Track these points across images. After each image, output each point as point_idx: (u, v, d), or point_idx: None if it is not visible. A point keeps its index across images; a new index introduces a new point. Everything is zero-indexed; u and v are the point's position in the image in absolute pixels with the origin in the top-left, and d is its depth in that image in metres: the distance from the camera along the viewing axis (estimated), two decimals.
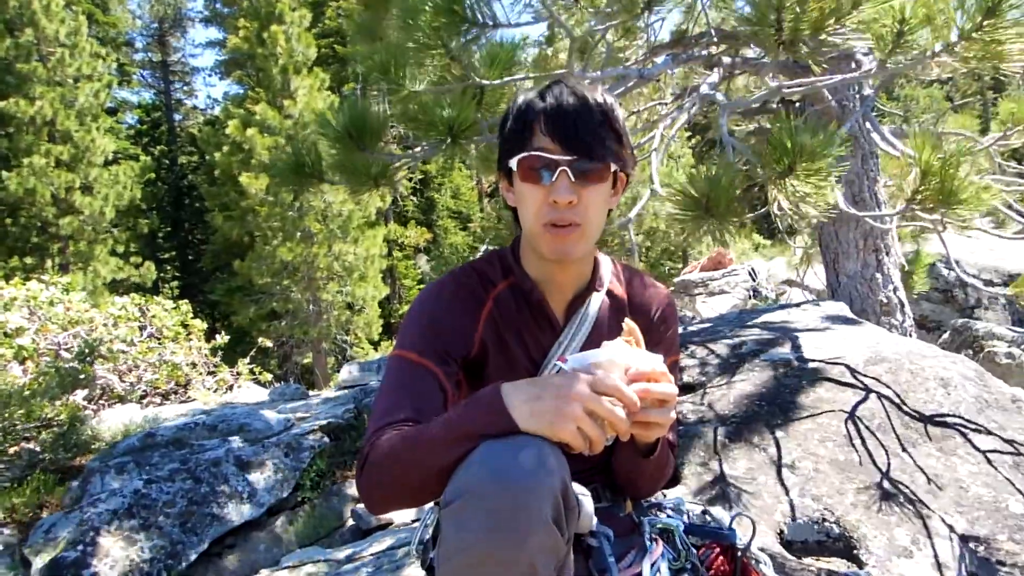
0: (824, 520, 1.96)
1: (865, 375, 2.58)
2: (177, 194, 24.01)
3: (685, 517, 1.20)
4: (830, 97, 3.64)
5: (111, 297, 7.31)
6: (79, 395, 4.79)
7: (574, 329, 1.15)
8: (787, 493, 2.08)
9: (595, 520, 1.02)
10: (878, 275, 3.90)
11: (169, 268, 23.32)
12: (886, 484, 2.05)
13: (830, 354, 2.78)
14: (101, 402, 5.14)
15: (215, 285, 18.75)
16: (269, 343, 8.41)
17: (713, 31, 3.26)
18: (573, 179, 1.00)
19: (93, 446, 3.87)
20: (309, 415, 4.19)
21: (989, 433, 2.24)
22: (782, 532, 1.96)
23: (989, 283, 6.46)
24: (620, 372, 0.88)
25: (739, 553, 1.13)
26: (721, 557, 1.13)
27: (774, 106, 4.23)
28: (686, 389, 2.80)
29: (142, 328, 5.92)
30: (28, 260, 14.22)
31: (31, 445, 3.76)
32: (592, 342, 1.12)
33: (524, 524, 0.76)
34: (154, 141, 25.77)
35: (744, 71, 3.68)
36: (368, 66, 2.72)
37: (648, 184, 2.55)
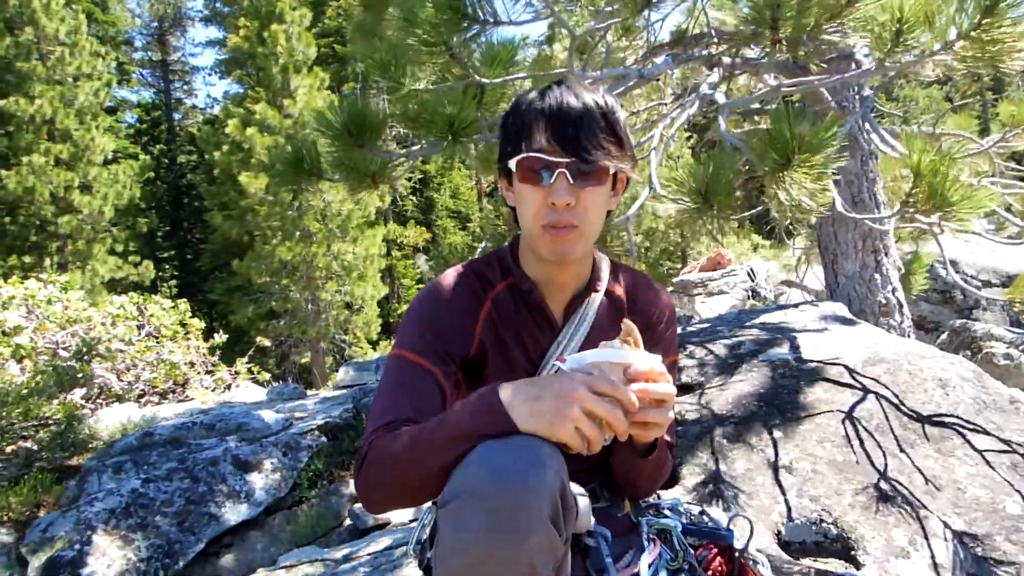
0: (822, 521, 1.96)
1: (863, 376, 2.58)
2: (176, 193, 23.99)
3: (683, 517, 1.20)
4: (830, 98, 3.63)
5: (109, 296, 7.30)
6: (77, 394, 4.79)
7: (573, 329, 1.15)
8: (785, 494, 2.08)
9: (593, 520, 1.02)
10: (877, 276, 3.91)
11: (168, 267, 23.30)
12: (884, 485, 2.05)
13: (828, 355, 2.78)
14: (99, 401, 5.13)
15: (214, 284, 18.74)
16: (267, 342, 8.41)
17: (713, 31, 3.26)
18: (572, 181, 1.00)
19: (90, 445, 3.86)
20: (307, 415, 4.19)
21: (987, 434, 2.24)
22: (780, 533, 1.96)
23: (988, 284, 6.47)
24: (618, 372, 0.88)
25: (736, 554, 1.13)
26: (719, 558, 1.13)
27: (773, 107, 4.23)
28: (684, 389, 2.80)
29: (140, 327, 5.92)
30: (27, 259, 14.22)
31: (28, 444, 3.76)
32: (591, 342, 1.12)
33: (524, 524, 0.76)
34: (153, 140, 25.75)
35: (744, 71, 3.68)
36: (368, 65, 2.72)
37: (647, 184, 2.55)
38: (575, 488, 0.94)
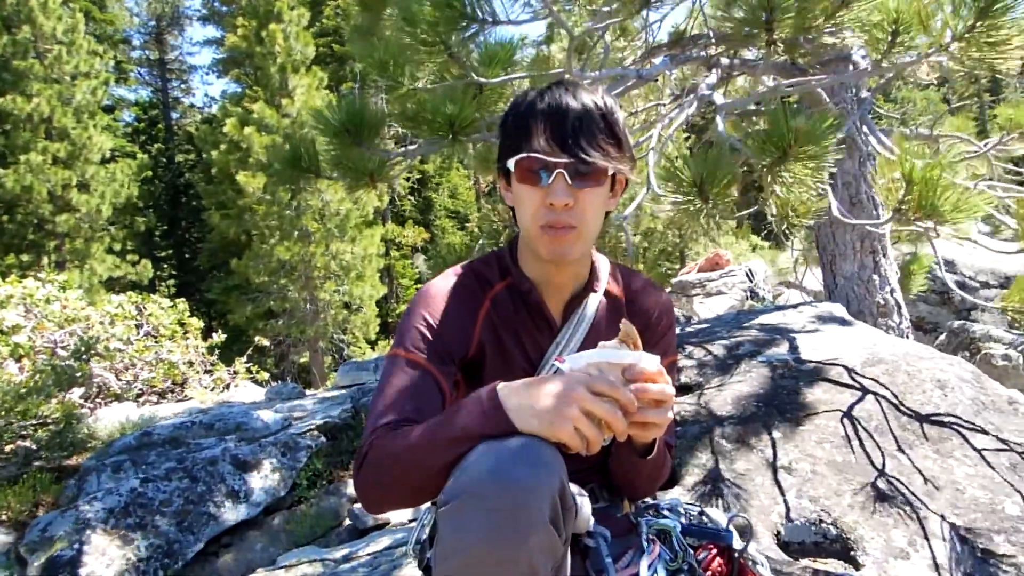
0: (821, 521, 1.96)
1: (862, 376, 2.58)
2: (174, 192, 23.95)
3: (682, 518, 1.20)
4: (827, 99, 3.64)
5: (108, 295, 7.28)
6: (75, 393, 4.78)
7: (571, 330, 1.15)
8: (784, 494, 2.08)
9: (592, 520, 1.02)
10: (875, 277, 3.91)
11: (166, 266, 23.27)
12: (883, 485, 2.05)
13: (827, 355, 2.78)
14: (97, 400, 5.13)
15: (212, 284, 18.71)
16: (266, 342, 8.39)
17: (711, 32, 3.26)
18: (570, 181, 1.00)
19: (89, 445, 3.86)
20: (306, 414, 4.18)
21: (986, 434, 2.25)
22: (779, 533, 1.96)
23: (986, 285, 6.49)
24: (617, 373, 0.88)
25: (736, 554, 1.13)
26: (718, 558, 1.13)
27: (771, 108, 4.23)
28: (683, 390, 2.80)
29: (139, 326, 5.91)
30: (24, 257, 14.21)
31: (27, 443, 3.75)
32: (589, 342, 1.12)
33: (524, 524, 0.76)
34: (151, 139, 25.69)
35: (743, 72, 3.68)
36: (366, 64, 2.72)
37: (645, 183, 2.55)
38: (575, 488, 0.94)
